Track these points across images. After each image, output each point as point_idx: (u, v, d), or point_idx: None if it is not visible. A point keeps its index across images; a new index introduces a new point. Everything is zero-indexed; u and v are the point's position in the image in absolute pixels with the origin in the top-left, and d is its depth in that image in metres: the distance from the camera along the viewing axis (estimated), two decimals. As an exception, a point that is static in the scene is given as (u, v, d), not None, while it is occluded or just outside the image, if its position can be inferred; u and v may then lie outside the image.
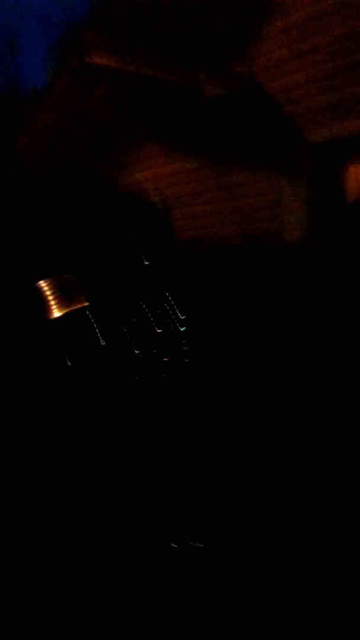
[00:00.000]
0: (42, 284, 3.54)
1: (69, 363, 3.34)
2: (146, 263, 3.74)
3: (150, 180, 6.77)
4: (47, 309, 3.48)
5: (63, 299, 3.58)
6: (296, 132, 5.37)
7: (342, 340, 3.78)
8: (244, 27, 5.79)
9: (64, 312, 3.51)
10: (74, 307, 3.52)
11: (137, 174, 6.92)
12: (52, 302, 3.50)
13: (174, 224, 6.49)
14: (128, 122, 6.59)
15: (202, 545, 2.55)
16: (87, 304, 3.68)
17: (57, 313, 3.51)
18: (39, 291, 3.50)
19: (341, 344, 3.77)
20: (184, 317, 3.40)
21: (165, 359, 3.38)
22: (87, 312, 3.57)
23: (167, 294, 3.68)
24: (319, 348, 3.77)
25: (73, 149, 6.93)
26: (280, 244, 5.27)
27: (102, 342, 3.44)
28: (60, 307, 3.51)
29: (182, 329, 3.38)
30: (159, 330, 3.40)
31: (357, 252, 4.28)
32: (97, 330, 3.40)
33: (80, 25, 7.12)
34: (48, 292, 3.58)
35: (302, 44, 5.56)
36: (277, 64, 5.67)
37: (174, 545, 2.61)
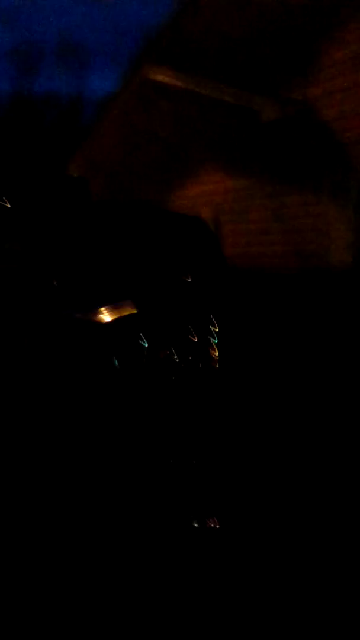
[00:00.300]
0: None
1: (116, 363, 3.56)
2: (189, 279, 3.95)
3: (204, 198, 6.95)
4: (98, 314, 3.69)
5: (114, 307, 3.80)
6: (347, 159, 5.50)
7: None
8: (303, 55, 5.94)
9: (114, 317, 3.73)
10: (123, 314, 3.73)
11: (191, 192, 7.11)
12: (104, 309, 3.71)
13: (225, 240, 6.66)
14: (186, 140, 6.80)
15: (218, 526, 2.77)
16: (135, 311, 3.89)
17: (107, 318, 3.72)
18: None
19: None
20: (218, 330, 3.58)
21: (199, 365, 3.59)
22: (134, 319, 3.78)
23: (208, 307, 3.87)
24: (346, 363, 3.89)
25: (131, 167, 7.16)
26: (326, 266, 5.38)
27: (145, 347, 3.64)
28: (111, 313, 3.73)
29: (215, 341, 3.58)
30: (195, 340, 3.60)
31: None
32: (142, 336, 3.61)
33: (147, 42, 7.37)
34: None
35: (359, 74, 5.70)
36: (332, 92, 5.81)
37: (195, 525, 2.82)
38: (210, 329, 3.67)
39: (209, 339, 3.62)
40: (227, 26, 6.23)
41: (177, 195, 7.10)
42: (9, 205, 5.02)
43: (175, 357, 3.61)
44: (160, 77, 6.32)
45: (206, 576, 2.54)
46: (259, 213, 6.43)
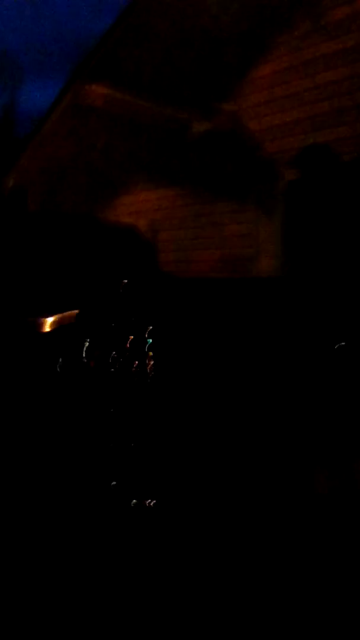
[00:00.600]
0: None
1: (58, 369, 3.79)
2: (125, 281, 4.18)
3: (141, 210, 7.17)
4: (41, 324, 3.90)
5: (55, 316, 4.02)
6: (272, 169, 5.80)
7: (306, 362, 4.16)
8: (231, 70, 6.24)
9: (54, 327, 3.94)
10: (65, 323, 3.94)
11: (126, 205, 7.33)
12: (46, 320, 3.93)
13: (161, 248, 6.90)
14: (121, 155, 7.01)
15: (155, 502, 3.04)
16: (74, 321, 4.10)
17: (47, 328, 3.93)
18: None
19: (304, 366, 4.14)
20: (150, 337, 3.83)
21: (133, 369, 3.83)
22: (73, 328, 4.00)
23: (143, 312, 4.09)
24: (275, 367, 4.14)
25: (66, 182, 7.33)
26: (255, 271, 5.66)
27: (84, 354, 3.85)
28: (51, 323, 3.94)
29: (148, 344, 3.82)
30: (128, 346, 3.84)
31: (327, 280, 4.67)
32: (81, 344, 3.83)
33: (78, 60, 7.56)
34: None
35: (287, 87, 6.01)
36: (258, 105, 6.12)
37: (134, 502, 3.07)
38: (144, 334, 3.91)
39: (144, 344, 3.86)
40: (157, 42, 6.49)
41: (114, 208, 7.31)
42: None
43: (112, 361, 3.84)
44: (91, 95, 6.54)
45: (143, 548, 2.76)
46: (192, 221, 6.69)
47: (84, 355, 3.80)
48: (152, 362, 3.70)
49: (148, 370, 3.71)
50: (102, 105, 6.85)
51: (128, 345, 3.76)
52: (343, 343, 3.79)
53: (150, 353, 3.73)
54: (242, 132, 6.28)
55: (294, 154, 5.92)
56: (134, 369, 3.71)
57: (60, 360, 3.76)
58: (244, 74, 6.35)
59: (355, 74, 5.54)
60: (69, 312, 4.08)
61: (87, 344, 3.73)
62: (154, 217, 7.08)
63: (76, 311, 3.95)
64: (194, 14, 6.28)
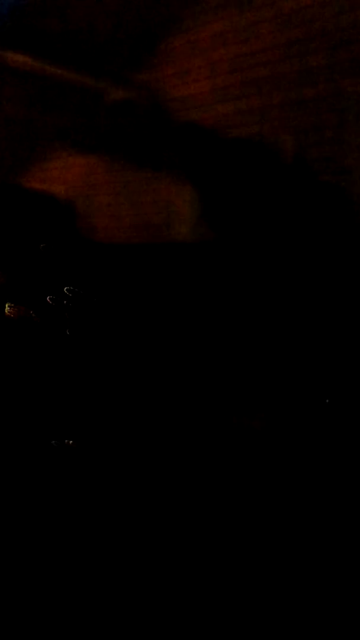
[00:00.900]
0: None
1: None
2: (42, 246, 4.41)
3: (58, 177, 7.31)
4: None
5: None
6: (182, 138, 6.03)
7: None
8: (145, 40, 6.41)
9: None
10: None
11: (44, 172, 7.45)
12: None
13: (80, 215, 7.07)
14: (38, 123, 7.12)
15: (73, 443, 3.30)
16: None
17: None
18: None
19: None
20: (69, 300, 4.07)
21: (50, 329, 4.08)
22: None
23: (62, 274, 4.32)
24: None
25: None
26: (168, 238, 5.91)
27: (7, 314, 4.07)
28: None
29: (69, 306, 4.06)
30: (52, 304, 4.08)
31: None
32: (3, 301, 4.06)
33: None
34: None
35: (200, 59, 6.23)
36: (170, 76, 6.32)
37: (53, 443, 3.34)
38: (65, 293, 4.13)
39: (63, 304, 4.08)
40: (73, 9, 6.60)
41: (33, 176, 7.42)
42: None
43: (34, 318, 4.07)
44: (8, 62, 6.62)
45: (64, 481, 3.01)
46: (109, 188, 6.87)
47: (6, 311, 4.02)
48: (67, 319, 3.94)
49: (65, 327, 3.96)
50: (20, 73, 6.94)
51: (48, 302, 3.99)
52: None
53: (66, 314, 3.97)
54: (155, 101, 6.48)
55: (204, 123, 6.17)
56: (50, 325, 3.96)
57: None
58: (157, 44, 6.53)
59: (257, 49, 5.80)
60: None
61: (9, 303, 3.96)
62: (73, 184, 7.24)
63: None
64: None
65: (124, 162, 6.78)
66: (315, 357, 3.98)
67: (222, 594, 2.68)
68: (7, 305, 3.93)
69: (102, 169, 7.07)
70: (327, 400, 3.49)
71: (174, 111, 6.47)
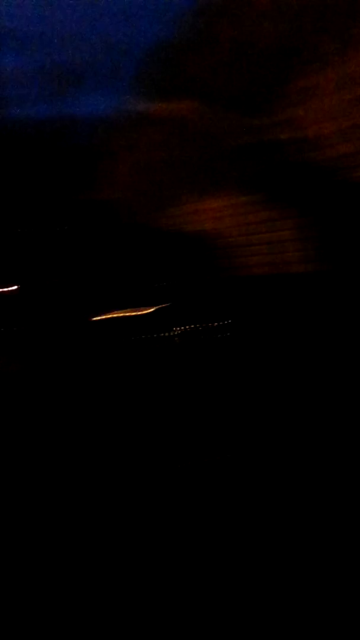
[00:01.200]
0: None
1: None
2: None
3: (189, 220, 7.84)
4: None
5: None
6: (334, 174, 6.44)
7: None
8: (276, 87, 6.87)
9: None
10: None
11: (187, 213, 7.98)
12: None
13: (219, 252, 7.57)
14: (165, 167, 7.69)
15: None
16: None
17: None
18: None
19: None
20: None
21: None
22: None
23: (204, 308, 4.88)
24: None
25: (138, 192, 8.01)
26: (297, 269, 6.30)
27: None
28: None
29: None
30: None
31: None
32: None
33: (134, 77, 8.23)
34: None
35: (336, 97, 6.65)
36: (309, 115, 6.72)
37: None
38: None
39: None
40: (217, 55, 7.13)
41: (178, 217, 8.02)
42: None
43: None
44: (149, 109, 7.24)
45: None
46: (240, 229, 7.38)
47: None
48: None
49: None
50: (159, 121, 7.54)
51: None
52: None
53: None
54: (281, 142, 6.91)
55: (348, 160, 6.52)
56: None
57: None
58: (286, 88, 6.97)
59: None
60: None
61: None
62: (229, 222, 7.73)
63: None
64: (253, 21, 6.89)
65: (266, 202, 7.18)
66: None
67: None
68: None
69: (231, 211, 7.53)
70: None
71: (299, 151, 6.85)
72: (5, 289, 5.48)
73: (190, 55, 7.28)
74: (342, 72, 6.66)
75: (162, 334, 4.65)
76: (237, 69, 7.15)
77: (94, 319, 4.97)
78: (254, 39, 6.98)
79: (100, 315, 4.98)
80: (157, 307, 4.95)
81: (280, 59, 7.00)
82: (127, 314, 4.91)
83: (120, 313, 4.97)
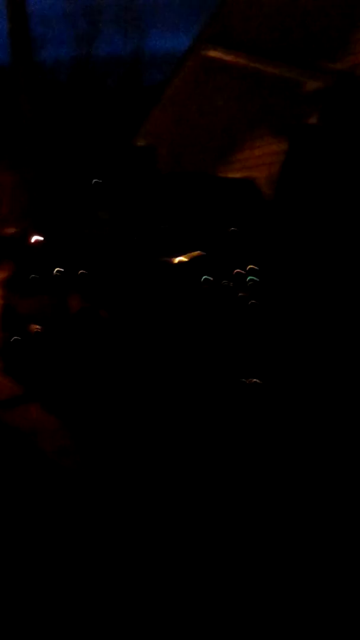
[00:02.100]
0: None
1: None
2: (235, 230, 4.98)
3: (256, 165, 7.80)
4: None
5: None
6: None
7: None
8: (339, 33, 6.73)
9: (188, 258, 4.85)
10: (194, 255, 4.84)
11: (243, 160, 7.97)
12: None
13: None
14: (237, 114, 7.65)
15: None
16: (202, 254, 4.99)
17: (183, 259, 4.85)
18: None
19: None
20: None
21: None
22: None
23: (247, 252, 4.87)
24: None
25: (190, 142, 8.04)
26: None
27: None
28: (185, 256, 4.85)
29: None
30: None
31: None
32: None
33: (198, 24, 8.19)
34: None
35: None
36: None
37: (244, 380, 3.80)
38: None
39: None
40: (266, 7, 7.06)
41: (234, 164, 8.00)
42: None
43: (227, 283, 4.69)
44: (211, 59, 7.19)
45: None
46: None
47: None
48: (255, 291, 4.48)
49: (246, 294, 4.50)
50: (222, 65, 7.49)
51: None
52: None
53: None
54: (353, 88, 6.78)
55: None
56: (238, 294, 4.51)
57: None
58: (348, 33, 6.84)
59: None
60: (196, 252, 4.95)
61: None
62: (273, 169, 7.69)
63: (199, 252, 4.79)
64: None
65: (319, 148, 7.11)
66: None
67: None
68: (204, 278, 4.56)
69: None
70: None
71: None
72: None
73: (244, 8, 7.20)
74: None
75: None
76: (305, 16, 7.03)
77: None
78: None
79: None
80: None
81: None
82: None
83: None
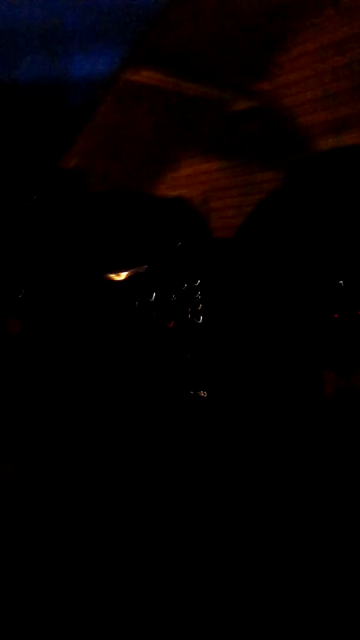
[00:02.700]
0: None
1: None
2: (178, 244, 5.05)
3: (185, 184, 7.93)
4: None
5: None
6: (307, 140, 6.51)
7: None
8: (266, 53, 6.92)
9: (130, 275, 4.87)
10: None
11: (175, 179, 8.08)
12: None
13: (210, 215, 7.66)
14: (166, 133, 7.76)
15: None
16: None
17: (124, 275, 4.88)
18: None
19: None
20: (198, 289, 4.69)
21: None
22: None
23: (191, 267, 4.92)
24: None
25: (120, 162, 8.10)
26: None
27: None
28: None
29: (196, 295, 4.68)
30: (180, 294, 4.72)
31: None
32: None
33: (126, 43, 8.27)
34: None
35: (318, 66, 6.71)
36: (291, 84, 6.80)
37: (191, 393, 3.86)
38: (194, 285, 4.81)
39: (194, 293, 4.75)
40: (195, 28, 7.19)
41: (165, 183, 8.08)
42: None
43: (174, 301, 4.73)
44: (141, 80, 7.29)
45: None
46: (236, 191, 7.45)
47: (152, 299, 4.67)
48: (199, 307, 4.55)
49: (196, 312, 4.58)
50: (151, 87, 7.59)
51: (181, 294, 4.62)
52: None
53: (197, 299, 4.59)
54: (278, 108, 6.97)
55: (325, 126, 6.61)
56: (187, 312, 4.57)
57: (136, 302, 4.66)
58: (275, 56, 7.04)
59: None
60: (139, 267, 5.02)
61: (154, 293, 4.62)
62: (202, 188, 7.82)
63: (145, 266, 4.86)
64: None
65: (249, 165, 7.30)
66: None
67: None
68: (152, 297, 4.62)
69: (230, 173, 7.62)
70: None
71: (294, 116, 6.93)
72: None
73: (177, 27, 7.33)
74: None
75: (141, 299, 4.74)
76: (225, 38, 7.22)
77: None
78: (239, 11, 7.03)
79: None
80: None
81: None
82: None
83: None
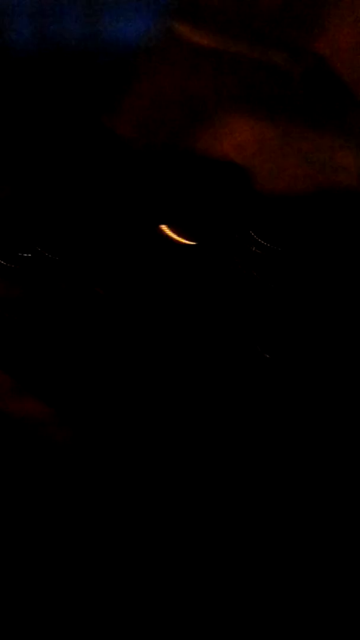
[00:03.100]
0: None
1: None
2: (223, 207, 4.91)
3: (235, 144, 7.73)
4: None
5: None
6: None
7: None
8: (317, 13, 6.68)
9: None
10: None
11: (222, 140, 7.90)
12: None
13: (255, 178, 7.48)
14: (212, 93, 7.55)
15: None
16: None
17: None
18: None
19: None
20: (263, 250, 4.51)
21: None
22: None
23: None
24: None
25: (167, 120, 7.91)
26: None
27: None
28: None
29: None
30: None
31: None
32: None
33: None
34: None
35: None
36: (347, 49, 6.56)
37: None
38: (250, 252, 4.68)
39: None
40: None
41: (212, 142, 7.89)
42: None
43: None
44: (184, 30, 7.08)
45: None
46: (281, 155, 7.25)
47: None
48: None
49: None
50: (191, 44, 7.37)
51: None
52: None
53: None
54: (330, 73, 6.74)
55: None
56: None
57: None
58: (332, 15, 6.77)
59: None
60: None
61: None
62: (247, 152, 7.63)
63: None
64: None
65: (299, 130, 7.07)
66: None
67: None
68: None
69: (277, 136, 7.41)
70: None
71: (349, 82, 6.69)
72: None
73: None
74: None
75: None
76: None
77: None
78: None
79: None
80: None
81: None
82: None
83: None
